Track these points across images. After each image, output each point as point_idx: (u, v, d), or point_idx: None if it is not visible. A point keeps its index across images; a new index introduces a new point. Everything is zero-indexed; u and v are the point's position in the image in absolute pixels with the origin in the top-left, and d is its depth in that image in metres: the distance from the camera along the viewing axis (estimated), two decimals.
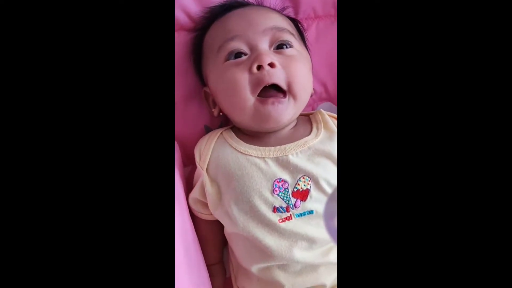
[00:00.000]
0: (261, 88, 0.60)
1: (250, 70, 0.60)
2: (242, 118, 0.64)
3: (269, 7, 0.72)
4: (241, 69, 0.61)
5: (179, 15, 0.72)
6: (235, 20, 0.64)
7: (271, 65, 0.60)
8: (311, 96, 0.70)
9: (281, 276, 0.61)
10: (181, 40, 0.73)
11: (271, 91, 0.61)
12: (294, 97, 0.62)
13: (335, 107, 0.80)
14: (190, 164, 0.73)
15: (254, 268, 0.62)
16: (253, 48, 0.62)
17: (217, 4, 0.71)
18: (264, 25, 0.63)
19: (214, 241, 0.70)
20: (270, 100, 0.60)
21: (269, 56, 0.60)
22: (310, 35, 0.79)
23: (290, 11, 0.76)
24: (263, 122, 0.62)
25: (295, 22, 0.73)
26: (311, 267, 0.61)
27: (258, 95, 0.61)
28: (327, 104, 0.80)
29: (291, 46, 0.64)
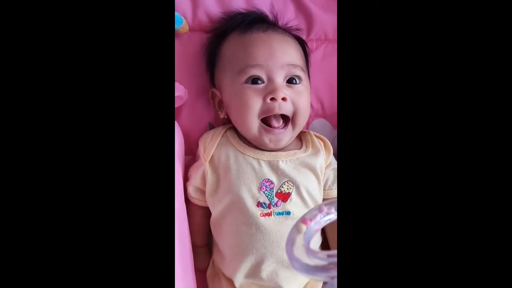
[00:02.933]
0: (268, 115, 0.70)
1: (264, 99, 0.70)
2: (245, 133, 0.74)
3: (285, 31, 0.79)
4: (257, 95, 0.70)
5: (202, 17, 0.81)
6: (258, 47, 0.72)
7: (283, 99, 0.70)
8: None
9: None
10: (200, 40, 0.81)
11: (278, 118, 0.72)
12: (294, 126, 0.73)
13: (328, 124, 0.88)
14: (190, 153, 0.80)
15: (229, 259, 0.71)
16: (270, 79, 0.71)
17: (237, 13, 0.79)
18: (282, 60, 0.71)
19: (205, 225, 0.78)
20: (276, 131, 0.71)
21: (282, 91, 0.70)
22: (317, 54, 0.86)
23: (302, 32, 0.84)
24: (263, 144, 0.72)
25: (303, 44, 0.82)
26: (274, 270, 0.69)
27: (262, 120, 0.71)
28: (322, 120, 0.88)
29: (300, 81, 0.73)
